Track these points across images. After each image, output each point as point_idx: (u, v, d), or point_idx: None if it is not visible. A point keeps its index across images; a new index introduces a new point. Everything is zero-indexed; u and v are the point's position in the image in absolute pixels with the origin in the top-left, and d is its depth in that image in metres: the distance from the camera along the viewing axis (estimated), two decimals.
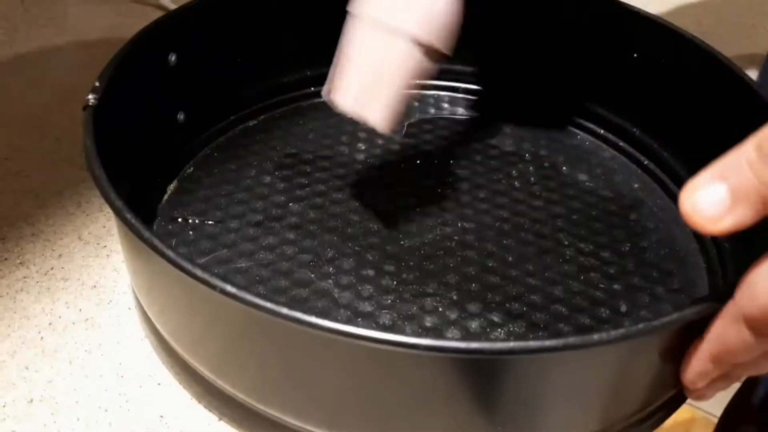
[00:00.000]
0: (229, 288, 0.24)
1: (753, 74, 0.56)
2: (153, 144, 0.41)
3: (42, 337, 0.35)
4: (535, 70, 0.50)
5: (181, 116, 0.43)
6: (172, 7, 0.59)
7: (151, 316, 0.34)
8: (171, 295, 0.29)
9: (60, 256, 0.40)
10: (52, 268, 0.39)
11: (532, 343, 0.24)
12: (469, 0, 0.35)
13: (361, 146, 0.47)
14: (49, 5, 0.62)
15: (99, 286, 0.38)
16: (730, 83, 0.40)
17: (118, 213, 0.27)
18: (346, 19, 0.35)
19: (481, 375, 0.26)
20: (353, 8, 0.35)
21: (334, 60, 0.35)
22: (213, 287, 0.24)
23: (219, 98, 0.46)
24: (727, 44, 0.44)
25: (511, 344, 0.24)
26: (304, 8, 0.47)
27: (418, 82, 0.34)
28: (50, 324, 0.36)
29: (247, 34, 0.46)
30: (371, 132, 0.44)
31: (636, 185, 0.46)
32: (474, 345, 0.23)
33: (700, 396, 0.29)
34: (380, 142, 0.47)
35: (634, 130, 0.47)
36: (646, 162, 0.46)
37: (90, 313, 0.37)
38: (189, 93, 0.43)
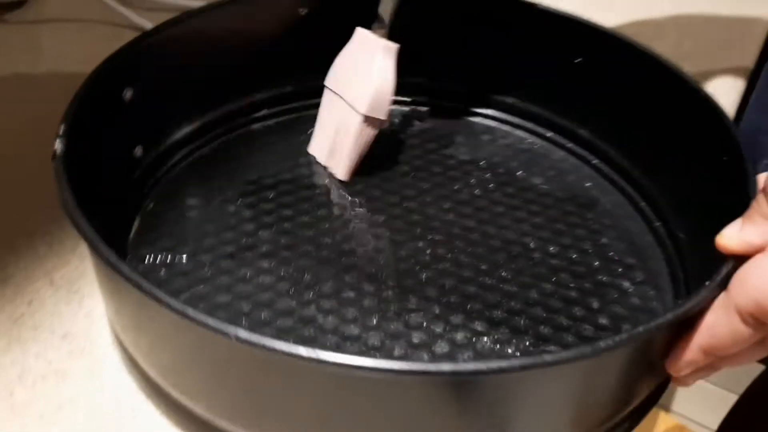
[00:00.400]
0: (243, 334, 0.24)
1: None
2: (117, 181, 0.40)
3: (11, 392, 0.34)
4: (479, 76, 0.51)
5: (138, 151, 0.42)
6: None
7: (138, 359, 0.33)
8: (168, 339, 0.29)
9: (30, 302, 0.38)
10: (22, 315, 0.37)
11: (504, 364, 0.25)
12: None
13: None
14: (24, 32, 0.60)
15: (70, 335, 0.37)
16: (668, 80, 0.42)
17: (114, 267, 0.26)
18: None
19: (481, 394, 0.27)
20: (328, 82, 0.46)
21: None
22: (226, 335, 0.24)
23: (173, 129, 0.45)
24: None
25: (500, 363, 0.25)
26: (249, 35, 0.47)
27: (366, 141, 0.45)
28: (19, 377, 0.35)
29: (194, 63, 0.45)
30: None
31: (588, 184, 0.48)
32: (493, 365, 0.24)
33: (683, 383, 0.31)
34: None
35: (581, 131, 0.49)
36: (594, 161, 0.49)
37: (61, 365, 0.35)
38: (144, 127, 0.42)
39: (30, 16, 0.62)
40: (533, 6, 0.48)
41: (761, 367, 0.62)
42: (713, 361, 0.29)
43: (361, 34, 0.45)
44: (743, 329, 0.27)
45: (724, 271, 0.28)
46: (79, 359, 0.35)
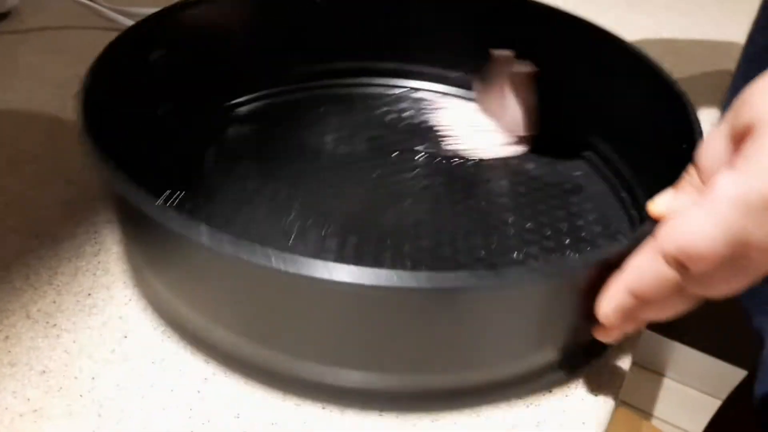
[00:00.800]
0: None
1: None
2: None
3: None
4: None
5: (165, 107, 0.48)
6: None
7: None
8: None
9: (6, 338, 0.37)
10: None
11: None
12: None
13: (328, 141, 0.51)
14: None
15: (48, 371, 0.35)
16: (650, 79, 0.45)
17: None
18: None
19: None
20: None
21: None
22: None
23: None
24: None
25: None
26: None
27: None
28: None
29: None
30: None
31: (577, 173, 0.51)
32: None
33: (609, 335, 0.34)
34: (346, 142, 0.52)
35: (575, 128, 0.52)
36: (586, 153, 0.52)
37: (39, 403, 0.34)
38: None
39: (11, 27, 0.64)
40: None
41: (744, 373, 0.63)
42: (638, 307, 0.31)
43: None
44: (667, 272, 0.29)
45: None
46: (58, 397, 0.34)
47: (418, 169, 0.49)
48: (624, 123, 0.48)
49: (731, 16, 0.78)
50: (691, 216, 0.28)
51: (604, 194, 0.49)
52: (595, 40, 0.49)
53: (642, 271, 0.30)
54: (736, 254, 0.28)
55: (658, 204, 0.32)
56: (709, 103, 0.61)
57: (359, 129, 0.53)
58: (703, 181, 0.32)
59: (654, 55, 0.45)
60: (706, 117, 0.59)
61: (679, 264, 0.29)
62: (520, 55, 0.52)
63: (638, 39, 0.70)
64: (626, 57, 0.47)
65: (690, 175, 0.33)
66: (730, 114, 0.30)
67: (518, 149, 0.52)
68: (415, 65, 0.57)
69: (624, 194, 0.48)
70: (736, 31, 0.73)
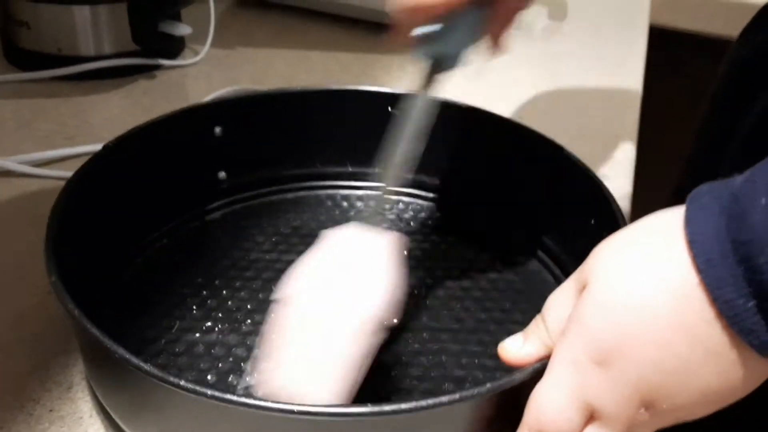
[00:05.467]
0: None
1: None
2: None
3: None
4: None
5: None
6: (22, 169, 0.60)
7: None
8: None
9: None
10: None
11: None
12: None
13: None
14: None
15: None
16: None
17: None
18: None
19: None
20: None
21: None
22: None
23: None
24: None
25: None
26: None
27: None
28: None
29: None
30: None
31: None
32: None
33: None
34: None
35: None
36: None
37: None
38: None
39: None
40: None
41: None
42: None
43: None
44: None
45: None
46: None
47: None
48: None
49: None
50: (540, 387, 0.32)
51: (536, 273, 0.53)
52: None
53: None
54: (587, 412, 0.31)
55: (509, 351, 0.35)
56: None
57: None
58: (550, 335, 0.34)
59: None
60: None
61: None
62: None
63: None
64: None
65: (537, 326, 0.35)
66: (577, 271, 0.33)
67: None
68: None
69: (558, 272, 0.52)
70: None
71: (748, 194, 0.28)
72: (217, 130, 0.56)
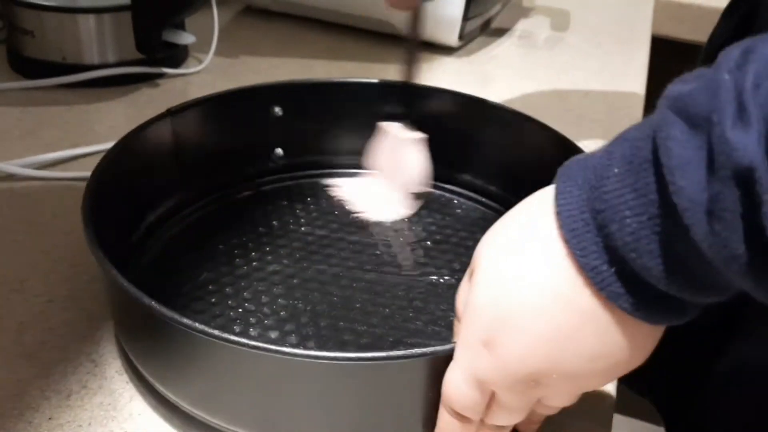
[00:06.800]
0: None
1: None
2: None
3: None
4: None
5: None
6: None
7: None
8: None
9: None
10: None
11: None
12: None
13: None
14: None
15: None
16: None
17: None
18: None
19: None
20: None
21: None
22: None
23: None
24: None
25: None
26: None
27: None
28: None
29: None
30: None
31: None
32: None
33: None
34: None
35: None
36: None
37: None
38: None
39: None
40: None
41: None
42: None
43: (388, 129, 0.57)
44: (449, 419, 0.34)
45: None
46: None
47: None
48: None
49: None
50: (448, 368, 0.34)
51: None
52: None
53: (445, 426, 0.35)
54: (486, 390, 0.33)
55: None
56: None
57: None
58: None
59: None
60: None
61: (455, 413, 0.34)
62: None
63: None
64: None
65: (455, 321, 0.37)
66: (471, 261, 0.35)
67: (416, 204, 0.58)
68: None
69: None
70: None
71: (604, 164, 0.29)
72: (277, 109, 0.59)
